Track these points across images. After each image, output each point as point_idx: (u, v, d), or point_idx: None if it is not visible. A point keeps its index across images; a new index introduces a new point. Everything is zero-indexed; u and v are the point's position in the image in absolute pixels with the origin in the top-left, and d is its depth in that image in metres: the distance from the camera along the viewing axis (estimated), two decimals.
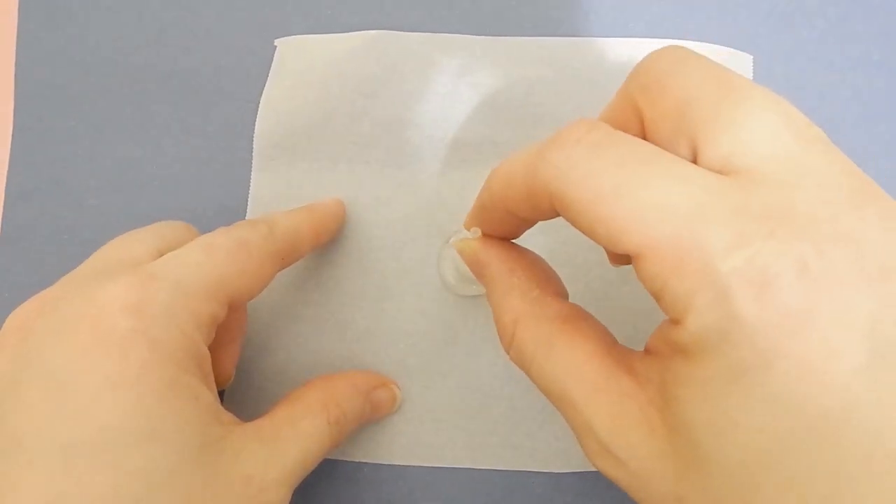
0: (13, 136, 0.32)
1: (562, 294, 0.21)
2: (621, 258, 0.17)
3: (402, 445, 0.29)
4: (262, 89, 0.31)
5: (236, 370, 0.28)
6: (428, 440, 0.29)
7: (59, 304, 0.21)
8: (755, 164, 0.15)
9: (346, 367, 0.30)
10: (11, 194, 0.32)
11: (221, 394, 0.28)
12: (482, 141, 0.30)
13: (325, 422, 0.25)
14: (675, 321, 0.15)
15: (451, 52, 0.30)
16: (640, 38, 0.31)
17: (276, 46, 0.31)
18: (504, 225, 0.21)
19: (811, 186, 0.15)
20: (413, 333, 0.30)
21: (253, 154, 0.31)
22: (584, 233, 0.16)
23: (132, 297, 0.21)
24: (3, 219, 0.32)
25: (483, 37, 0.31)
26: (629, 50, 0.30)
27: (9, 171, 0.32)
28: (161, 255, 0.23)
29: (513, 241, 0.22)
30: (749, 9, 0.31)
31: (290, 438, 0.23)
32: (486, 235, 0.22)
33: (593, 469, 0.18)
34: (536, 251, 0.22)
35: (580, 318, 0.20)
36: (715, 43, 0.31)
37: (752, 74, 0.31)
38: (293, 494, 0.23)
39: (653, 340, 0.17)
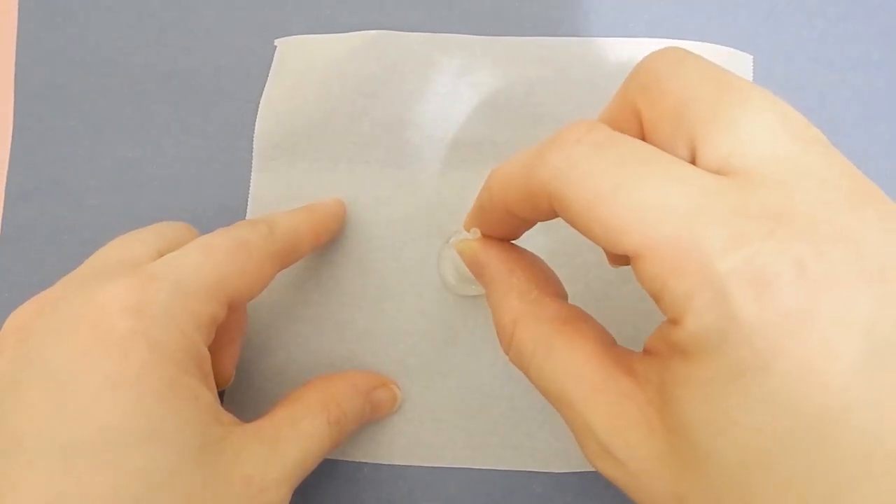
0: (13, 136, 0.32)
1: (561, 295, 0.21)
2: (620, 259, 0.17)
3: (402, 445, 0.29)
4: (262, 89, 0.31)
5: (236, 370, 0.28)
6: (428, 440, 0.29)
7: (59, 305, 0.21)
8: (754, 164, 0.15)
9: (346, 367, 0.30)
10: (11, 194, 0.32)
11: (221, 394, 0.28)
12: (482, 141, 0.30)
13: (325, 422, 0.25)
14: (673, 321, 0.15)
15: (451, 52, 0.30)
16: (640, 38, 0.31)
17: (276, 46, 0.31)
18: (503, 226, 0.21)
19: (810, 187, 0.15)
20: (413, 333, 0.30)
21: (253, 154, 0.31)
22: (582, 233, 0.16)
23: (132, 297, 0.21)
24: (3, 219, 0.32)
25: (483, 37, 0.31)
26: (629, 50, 0.30)
27: (9, 171, 0.32)
28: (161, 255, 0.23)
29: (512, 241, 0.22)
30: (749, 9, 0.31)
31: (290, 439, 0.24)
32: (486, 236, 0.22)
33: (593, 469, 0.18)
34: (536, 251, 0.22)
35: (579, 319, 0.20)
36: (715, 43, 0.31)
37: (752, 74, 0.31)
38: (293, 494, 0.23)
39: (652, 341, 0.17)
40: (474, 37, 0.31)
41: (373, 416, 0.28)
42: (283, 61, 0.31)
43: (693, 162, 0.16)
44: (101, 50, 0.32)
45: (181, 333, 0.21)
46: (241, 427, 0.23)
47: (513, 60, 0.30)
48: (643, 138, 0.17)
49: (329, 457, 0.27)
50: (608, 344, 0.19)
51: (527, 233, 0.22)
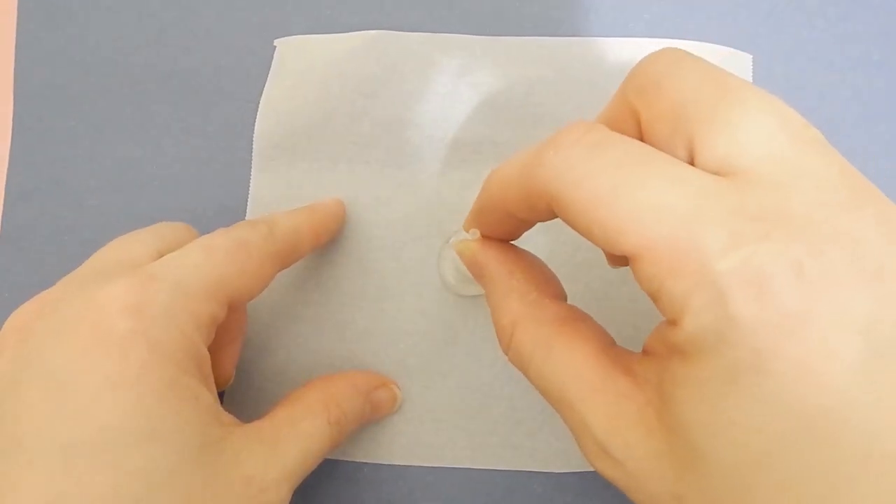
0: (13, 136, 0.32)
1: (560, 296, 0.21)
2: (619, 259, 0.17)
3: (402, 445, 0.29)
4: (262, 89, 0.31)
5: (236, 371, 0.28)
6: (428, 440, 0.29)
7: (59, 305, 0.21)
8: (752, 165, 0.15)
9: (346, 367, 0.30)
10: (11, 194, 0.32)
11: (221, 395, 0.28)
12: (482, 141, 0.30)
13: (326, 422, 0.25)
14: (672, 322, 0.15)
15: (451, 52, 0.30)
16: (640, 38, 0.31)
17: (276, 46, 0.31)
18: (502, 226, 0.21)
19: (808, 188, 0.15)
20: (413, 333, 0.30)
21: (253, 154, 0.31)
22: (581, 234, 0.16)
23: (132, 297, 0.21)
24: (3, 219, 0.32)
25: (483, 37, 0.31)
26: (629, 50, 0.30)
27: (9, 171, 0.32)
28: (161, 255, 0.23)
29: (511, 242, 0.22)
30: (749, 9, 0.31)
31: (291, 439, 0.24)
32: (485, 237, 0.22)
33: (593, 469, 0.18)
34: (536, 252, 0.22)
35: (578, 320, 0.20)
36: (715, 43, 0.31)
37: (751, 74, 0.31)
38: (293, 494, 0.23)
39: (650, 341, 0.17)
40: (474, 37, 0.31)
41: (373, 416, 0.28)
42: (283, 61, 0.31)
43: (691, 163, 0.16)
44: (101, 50, 0.32)
45: (181, 334, 0.21)
46: (242, 427, 0.23)
47: (513, 60, 0.30)
48: (641, 139, 0.17)
49: (329, 457, 0.27)
50: (607, 344, 0.19)
51: (526, 233, 0.22)
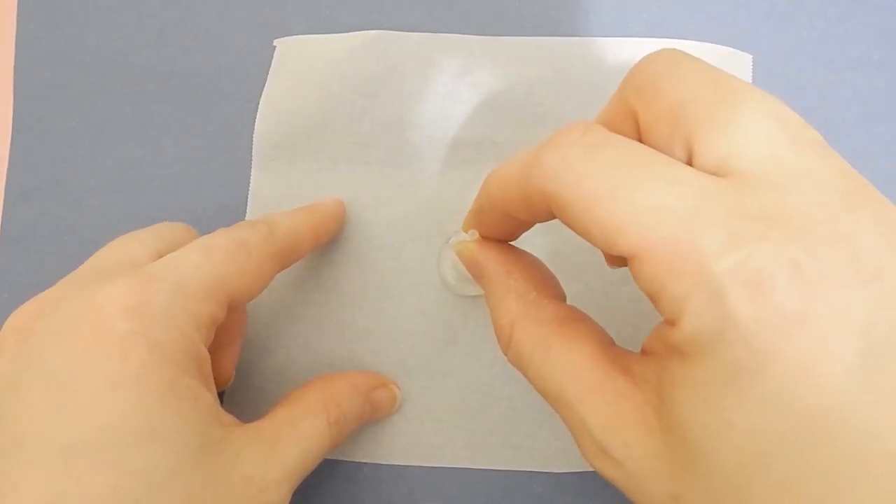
0: (13, 136, 0.32)
1: (559, 296, 0.21)
2: (618, 260, 0.17)
3: (402, 445, 0.29)
4: (262, 89, 0.31)
5: (236, 371, 0.28)
6: (428, 440, 0.29)
7: (59, 305, 0.21)
8: (750, 166, 0.15)
9: (346, 367, 0.30)
10: (11, 194, 0.32)
11: (221, 395, 0.28)
12: (482, 141, 0.30)
13: (325, 422, 0.25)
14: (670, 322, 0.15)
15: (451, 52, 0.30)
16: (639, 38, 0.31)
17: (276, 46, 0.31)
18: (501, 227, 0.21)
19: (806, 188, 0.15)
20: (413, 333, 0.30)
21: (253, 154, 0.31)
22: (580, 235, 0.16)
23: (131, 298, 0.21)
24: (3, 219, 0.32)
25: (483, 37, 0.31)
26: (629, 50, 0.30)
27: (9, 171, 0.32)
28: (161, 256, 0.23)
29: (510, 242, 0.22)
30: (749, 9, 0.31)
31: (290, 439, 0.24)
32: (484, 237, 0.22)
33: (593, 469, 0.18)
34: (535, 252, 0.22)
35: (577, 320, 0.20)
36: (715, 43, 0.31)
37: (751, 74, 0.31)
38: (293, 494, 0.23)
39: (649, 341, 0.17)
40: (474, 37, 0.31)
41: (373, 416, 0.28)
42: (283, 61, 0.31)
43: (690, 163, 0.16)
44: (101, 50, 0.32)
45: (181, 334, 0.21)
46: (241, 427, 0.23)
47: (513, 60, 0.30)
48: (640, 140, 0.17)
49: (329, 457, 0.27)
50: (606, 344, 0.19)
51: (526, 233, 0.22)
